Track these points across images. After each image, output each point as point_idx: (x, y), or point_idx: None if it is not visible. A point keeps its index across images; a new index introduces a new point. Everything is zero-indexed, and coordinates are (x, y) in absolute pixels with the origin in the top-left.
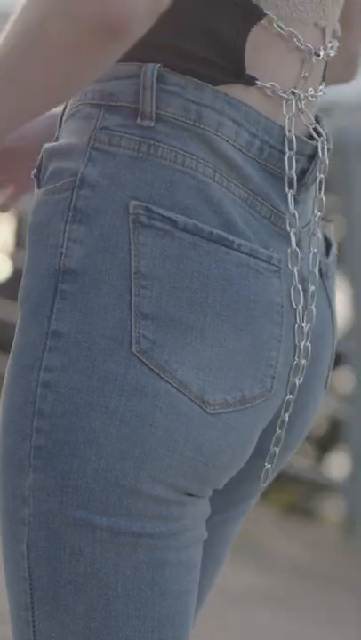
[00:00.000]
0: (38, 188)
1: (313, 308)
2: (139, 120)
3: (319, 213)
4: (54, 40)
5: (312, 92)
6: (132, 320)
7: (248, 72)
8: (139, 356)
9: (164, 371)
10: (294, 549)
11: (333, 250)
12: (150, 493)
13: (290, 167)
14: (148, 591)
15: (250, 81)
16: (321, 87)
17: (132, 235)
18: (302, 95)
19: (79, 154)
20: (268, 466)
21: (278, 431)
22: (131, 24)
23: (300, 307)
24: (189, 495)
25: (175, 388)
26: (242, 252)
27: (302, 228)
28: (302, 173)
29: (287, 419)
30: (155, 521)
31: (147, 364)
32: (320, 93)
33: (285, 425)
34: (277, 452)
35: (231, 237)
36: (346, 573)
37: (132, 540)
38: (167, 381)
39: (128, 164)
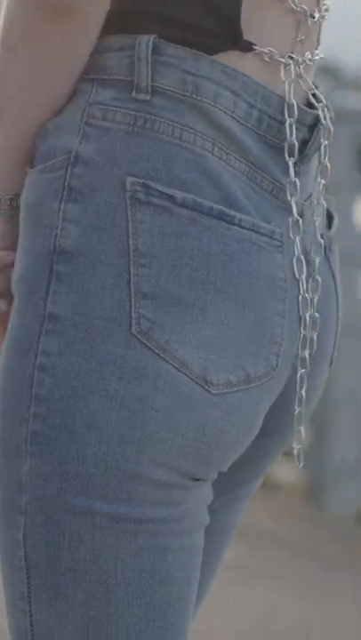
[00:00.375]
0: (30, 167)
1: (318, 277)
2: (134, 93)
3: (323, 181)
4: (15, 27)
5: (309, 56)
6: (132, 300)
7: (245, 37)
8: (139, 337)
9: (164, 351)
10: (260, 519)
11: (335, 222)
12: (152, 477)
13: (290, 134)
14: (149, 578)
15: (247, 46)
16: (317, 51)
17: (130, 212)
18: (300, 59)
19: (72, 130)
20: (298, 447)
21: (298, 409)
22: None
23: (303, 277)
24: (193, 479)
25: (176, 368)
26: (243, 228)
27: (304, 200)
28: (303, 144)
29: (304, 395)
30: (156, 506)
31: (147, 345)
32: (317, 57)
33: (304, 402)
34: (303, 430)
35: (232, 212)
36: (311, 542)
37: (133, 525)
38: (168, 362)
39: (123, 139)
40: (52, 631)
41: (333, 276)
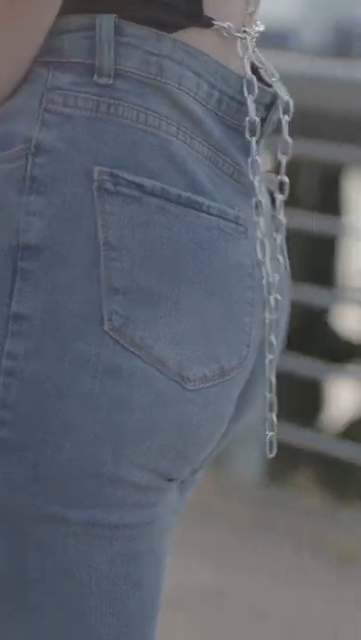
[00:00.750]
0: None
1: (280, 257)
2: (95, 77)
3: (285, 157)
4: None
5: (256, 29)
6: (103, 296)
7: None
8: (111, 334)
9: (139, 348)
10: None
11: (278, 201)
12: (130, 480)
13: (252, 111)
14: (122, 585)
15: (208, 22)
16: (259, 22)
17: (98, 203)
18: (252, 32)
19: (30, 118)
20: (271, 434)
21: (269, 395)
22: None
23: (266, 259)
24: (168, 480)
25: (152, 365)
26: (211, 214)
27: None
28: (261, 123)
29: (274, 380)
30: (133, 510)
31: (120, 342)
32: (261, 29)
33: (274, 387)
34: (274, 417)
35: (200, 199)
36: (220, 508)
37: (109, 532)
38: (143, 359)
39: (87, 125)
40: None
41: (283, 255)
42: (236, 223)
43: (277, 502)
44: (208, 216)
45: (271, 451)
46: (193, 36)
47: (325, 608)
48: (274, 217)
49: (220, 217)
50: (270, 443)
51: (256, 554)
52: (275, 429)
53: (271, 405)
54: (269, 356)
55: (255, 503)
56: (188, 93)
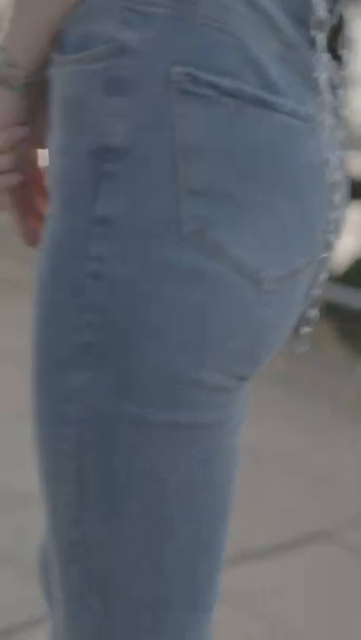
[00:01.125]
0: (60, 54)
1: (344, 155)
2: None
3: (347, 51)
4: None
5: None
6: (183, 198)
7: None
8: (192, 237)
9: (218, 251)
10: None
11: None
12: (210, 383)
13: (319, 6)
14: (199, 487)
15: None
16: None
17: (177, 105)
18: None
19: (112, 16)
20: (306, 329)
21: (317, 292)
22: None
23: (331, 157)
24: (241, 379)
25: (231, 268)
26: (284, 113)
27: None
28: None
29: (322, 278)
30: (211, 410)
31: (201, 246)
32: None
33: (323, 284)
34: (315, 313)
35: (274, 98)
36: None
37: (189, 432)
38: (222, 262)
39: (166, 25)
40: (106, 544)
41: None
42: (305, 121)
43: (299, 356)
44: (281, 115)
45: (305, 345)
46: None
47: (336, 456)
48: (336, 109)
49: (291, 115)
50: (304, 337)
51: (282, 407)
52: (311, 326)
53: (315, 301)
54: (323, 255)
55: (277, 357)
56: None
